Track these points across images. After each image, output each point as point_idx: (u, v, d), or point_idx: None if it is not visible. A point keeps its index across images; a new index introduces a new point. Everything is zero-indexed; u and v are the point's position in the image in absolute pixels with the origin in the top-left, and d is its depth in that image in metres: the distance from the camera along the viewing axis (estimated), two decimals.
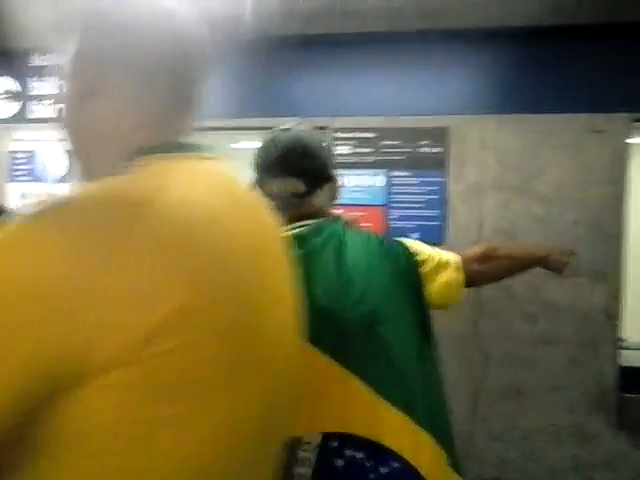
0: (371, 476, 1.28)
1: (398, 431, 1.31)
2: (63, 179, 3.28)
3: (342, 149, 3.02)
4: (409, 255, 1.50)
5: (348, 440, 1.30)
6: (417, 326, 1.49)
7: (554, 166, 2.86)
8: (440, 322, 2.92)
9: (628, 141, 2.82)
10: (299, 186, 1.46)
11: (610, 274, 2.83)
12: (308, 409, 1.26)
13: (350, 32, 2.92)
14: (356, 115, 3.00)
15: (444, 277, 1.57)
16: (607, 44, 2.79)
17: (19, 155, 3.32)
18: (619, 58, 2.79)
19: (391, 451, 1.29)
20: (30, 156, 3.34)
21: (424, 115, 2.94)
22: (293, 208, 1.45)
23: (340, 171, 3.01)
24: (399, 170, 2.98)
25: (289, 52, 3.03)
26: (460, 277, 1.60)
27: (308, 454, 1.31)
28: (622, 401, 2.83)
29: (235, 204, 0.77)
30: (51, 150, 3.32)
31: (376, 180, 3.00)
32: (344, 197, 2.93)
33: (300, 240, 1.40)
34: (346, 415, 1.32)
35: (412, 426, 1.32)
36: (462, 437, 2.96)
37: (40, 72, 3.32)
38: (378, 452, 1.29)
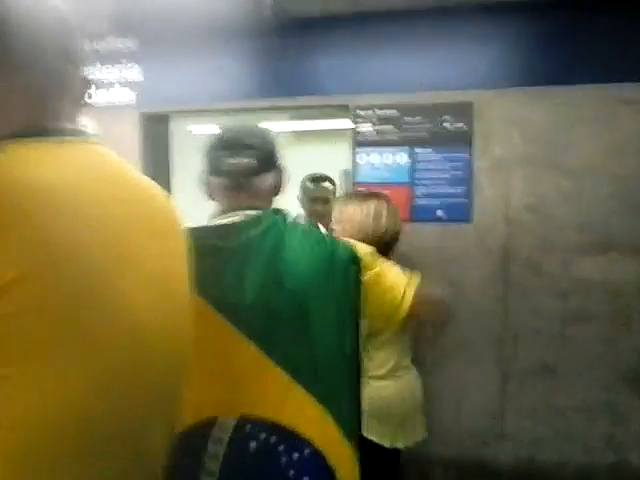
0: (283, 460, 1.36)
1: (312, 420, 1.40)
2: None
3: (364, 127, 2.99)
4: (354, 258, 1.55)
5: (262, 424, 1.36)
6: (346, 324, 1.53)
7: (583, 139, 2.78)
8: (469, 300, 2.92)
9: None
10: (252, 163, 1.50)
11: None
12: (227, 390, 1.37)
13: (370, 9, 2.88)
14: (378, 92, 2.96)
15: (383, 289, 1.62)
16: (635, 11, 2.69)
17: None
18: None
19: (304, 438, 1.37)
20: None
21: (447, 90, 2.89)
22: (242, 188, 1.51)
23: (363, 149, 3.02)
24: (423, 147, 2.93)
25: (309, 31, 3.00)
26: (398, 297, 1.62)
27: (222, 434, 1.36)
28: None
29: (99, 185, 0.84)
30: None
31: (400, 158, 2.96)
32: (368, 176, 2.94)
33: (238, 230, 1.46)
34: (263, 401, 1.39)
35: (326, 417, 1.41)
36: (493, 415, 2.93)
37: None
38: (291, 438, 1.37)
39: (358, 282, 1.55)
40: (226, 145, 1.53)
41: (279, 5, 2.86)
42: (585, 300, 2.82)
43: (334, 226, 2.30)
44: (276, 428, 1.37)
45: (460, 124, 2.89)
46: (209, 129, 5.20)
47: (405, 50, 2.92)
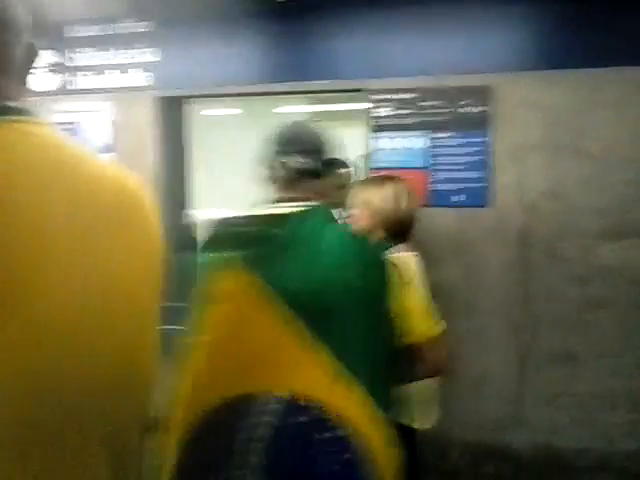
0: (325, 439, 1.44)
1: (355, 403, 1.47)
2: (107, 149, 3.32)
3: (381, 111, 2.96)
4: (384, 264, 1.65)
5: (311, 402, 1.44)
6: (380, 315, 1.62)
7: (602, 123, 2.74)
8: (487, 286, 2.89)
9: None
10: (313, 164, 1.66)
11: None
12: (273, 369, 1.47)
13: None
14: (395, 76, 2.93)
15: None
16: None
17: (62, 127, 3.37)
18: None
19: (346, 420, 1.44)
20: (74, 127, 3.38)
21: (465, 74, 2.85)
22: (300, 185, 1.66)
23: (379, 134, 2.99)
24: (441, 131, 2.90)
25: (325, 14, 2.97)
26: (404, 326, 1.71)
27: (266, 411, 1.44)
28: None
29: (38, 166, 0.78)
30: (94, 121, 3.36)
31: (417, 142, 2.93)
32: (384, 160, 2.92)
33: (288, 220, 1.59)
34: (309, 381, 1.47)
35: (366, 401, 1.48)
36: (511, 401, 2.93)
37: (78, 43, 3.34)
38: (334, 419, 1.44)
39: (390, 278, 1.63)
40: (294, 142, 1.68)
41: None
42: (604, 286, 2.80)
43: (352, 211, 2.29)
44: (320, 408, 1.44)
45: (478, 108, 2.86)
46: (222, 112, 5.21)
47: (422, 33, 2.89)
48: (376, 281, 1.62)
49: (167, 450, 1.52)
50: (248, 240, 1.59)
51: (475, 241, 2.90)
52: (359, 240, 1.69)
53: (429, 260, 2.89)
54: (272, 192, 1.71)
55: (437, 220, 2.92)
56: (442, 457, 2.99)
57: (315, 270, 1.54)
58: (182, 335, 1.57)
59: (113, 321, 0.85)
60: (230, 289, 1.55)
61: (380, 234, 2.07)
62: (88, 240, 0.81)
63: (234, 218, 1.72)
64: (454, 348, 2.93)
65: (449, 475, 3.00)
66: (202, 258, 1.67)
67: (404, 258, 1.81)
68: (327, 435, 1.44)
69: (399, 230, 2.11)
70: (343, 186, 3.33)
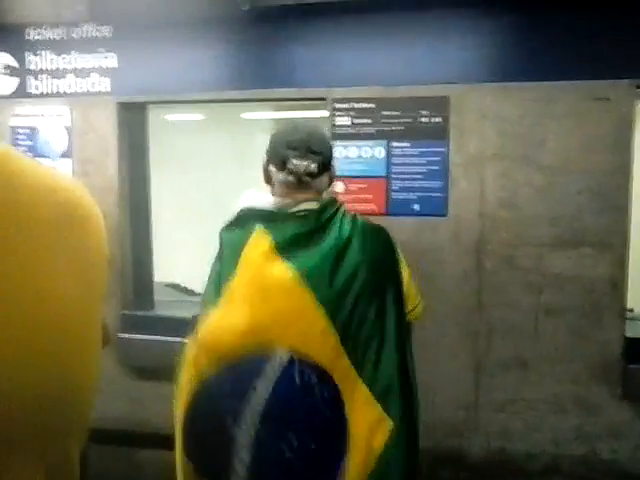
0: (318, 397, 1.68)
1: (345, 373, 1.70)
2: (65, 154, 3.29)
3: (341, 120, 2.99)
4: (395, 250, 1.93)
5: (307, 362, 1.68)
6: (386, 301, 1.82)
7: (556, 135, 2.80)
8: (444, 294, 2.93)
9: (633, 108, 2.76)
10: (315, 167, 1.79)
11: (615, 244, 2.79)
12: (283, 325, 1.70)
13: (348, 0, 2.88)
14: (355, 85, 2.96)
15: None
16: (609, 9, 2.71)
17: (20, 131, 3.33)
18: (621, 23, 2.71)
19: (336, 383, 1.70)
20: (32, 132, 3.35)
21: (424, 84, 2.90)
22: (300, 186, 1.81)
23: (340, 142, 3.02)
24: (400, 141, 2.94)
25: (287, 22, 2.99)
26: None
27: (279, 365, 1.68)
28: (627, 372, 2.81)
29: None
30: (53, 125, 3.32)
31: (377, 151, 2.97)
32: (344, 169, 2.95)
33: (307, 219, 1.79)
34: (313, 344, 1.70)
35: (355, 374, 1.72)
36: (466, 408, 2.97)
37: (37, 46, 3.31)
38: (324, 379, 1.69)
39: (398, 263, 1.90)
40: (293, 145, 1.80)
41: None
42: (557, 294, 2.86)
43: None
44: (318, 369, 1.68)
45: (437, 118, 2.90)
46: (187, 117, 5.19)
47: (382, 44, 2.92)
48: (391, 259, 1.88)
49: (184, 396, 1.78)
50: (272, 218, 1.81)
51: (433, 250, 2.94)
52: (371, 225, 1.91)
53: None
54: (275, 192, 1.87)
55: (395, 228, 2.93)
56: None
57: (340, 255, 1.75)
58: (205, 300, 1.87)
59: (55, 333, 0.84)
60: (254, 254, 1.76)
61: None
62: (25, 255, 0.80)
63: (258, 206, 1.87)
64: (412, 354, 2.97)
65: None
66: (229, 233, 1.87)
67: None
68: (321, 386, 1.68)
69: None
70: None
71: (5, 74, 3.33)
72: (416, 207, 2.95)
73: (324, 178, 1.87)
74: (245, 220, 1.84)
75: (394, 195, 2.96)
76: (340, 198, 2.12)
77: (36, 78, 3.33)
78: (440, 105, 2.89)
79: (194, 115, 5.13)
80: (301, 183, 1.80)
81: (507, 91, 2.84)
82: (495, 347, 2.93)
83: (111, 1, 3.17)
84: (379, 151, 2.96)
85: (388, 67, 2.93)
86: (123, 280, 3.33)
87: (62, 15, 3.24)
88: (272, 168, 1.85)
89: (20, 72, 3.34)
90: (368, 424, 1.72)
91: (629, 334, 2.85)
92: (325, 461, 1.72)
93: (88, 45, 3.23)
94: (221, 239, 1.90)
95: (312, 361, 1.68)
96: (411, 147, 2.93)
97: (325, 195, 1.89)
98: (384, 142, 2.96)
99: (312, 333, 1.70)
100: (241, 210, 1.88)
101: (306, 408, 1.70)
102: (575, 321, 2.85)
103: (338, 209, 1.84)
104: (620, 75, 2.70)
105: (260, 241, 1.77)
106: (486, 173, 2.88)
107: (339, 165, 2.97)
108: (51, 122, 3.32)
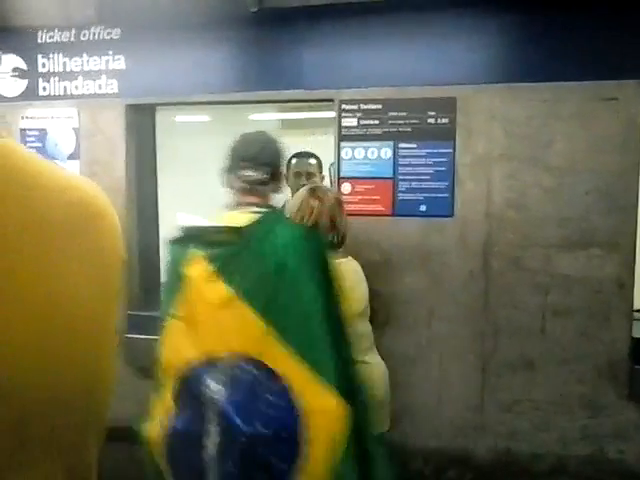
0: (263, 388, 1.85)
1: (290, 366, 1.85)
2: (72, 156, 3.31)
3: (348, 121, 3.00)
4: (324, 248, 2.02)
5: (252, 362, 1.86)
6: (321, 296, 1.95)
7: (564, 136, 2.81)
8: (450, 294, 2.94)
9: None
10: (265, 177, 2.13)
11: (623, 245, 2.79)
12: (228, 338, 1.89)
13: (355, 2, 2.89)
14: (362, 87, 2.97)
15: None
16: (617, 9, 2.71)
17: (29, 133, 3.36)
18: (629, 23, 2.71)
19: (280, 375, 1.85)
20: (41, 134, 3.37)
21: (431, 85, 2.90)
22: (252, 193, 2.13)
23: (347, 144, 3.03)
24: (406, 142, 2.95)
25: (295, 23, 3.00)
26: None
27: (226, 367, 1.88)
28: (634, 372, 2.81)
29: None
30: (62, 128, 3.35)
31: (384, 152, 2.98)
32: (351, 170, 2.96)
33: (252, 226, 1.96)
34: (254, 345, 1.88)
35: (302, 365, 1.86)
36: (473, 408, 2.97)
37: (48, 49, 3.33)
38: (270, 374, 1.85)
39: (330, 263, 1.99)
40: (247, 157, 2.14)
41: None
42: (565, 295, 2.86)
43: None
44: (260, 365, 1.86)
45: (444, 119, 2.91)
46: (195, 119, 5.20)
47: (390, 45, 2.93)
48: (317, 265, 1.95)
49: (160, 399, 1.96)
50: (210, 240, 2.01)
51: (439, 250, 2.95)
52: (302, 231, 2.03)
53: (394, 268, 2.95)
54: (232, 197, 2.16)
55: (402, 229, 2.96)
56: (405, 464, 3.03)
57: (273, 257, 1.91)
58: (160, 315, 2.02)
59: (69, 335, 0.84)
60: (193, 275, 1.95)
61: None
62: (37, 256, 0.80)
63: (199, 224, 2.19)
64: (416, 355, 2.98)
65: None
66: (172, 252, 2.04)
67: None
68: (271, 382, 1.85)
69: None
70: (312, 175, 3.51)
71: (14, 76, 3.36)
72: (423, 208, 2.95)
73: (276, 186, 2.21)
74: (183, 240, 2.04)
75: (401, 196, 2.97)
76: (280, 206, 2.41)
77: (44, 80, 3.35)
78: (447, 106, 2.89)
79: (200, 117, 5.14)
80: (253, 190, 2.13)
81: (514, 92, 2.84)
82: (502, 347, 2.93)
83: (120, 4, 3.18)
84: (386, 152, 2.97)
85: (395, 68, 2.94)
86: (130, 281, 3.35)
87: (72, 18, 3.27)
88: (229, 176, 2.17)
89: (29, 74, 3.36)
90: (325, 413, 1.86)
91: (636, 335, 2.85)
92: (283, 449, 1.86)
93: (96, 47, 3.25)
94: (167, 253, 2.09)
95: (258, 360, 1.87)
96: (418, 148, 2.94)
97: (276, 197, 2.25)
98: (391, 143, 2.96)
99: (254, 339, 1.88)
100: (181, 230, 2.08)
101: (257, 401, 1.87)
102: (582, 322, 2.85)
103: (271, 221, 2.01)
104: (628, 75, 2.70)
105: (198, 265, 1.97)
106: (493, 174, 2.88)
107: (346, 166, 3.01)
108: (59, 124, 3.35)
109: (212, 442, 1.87)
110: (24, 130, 3.38)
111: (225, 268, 1.96)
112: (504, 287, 2.91)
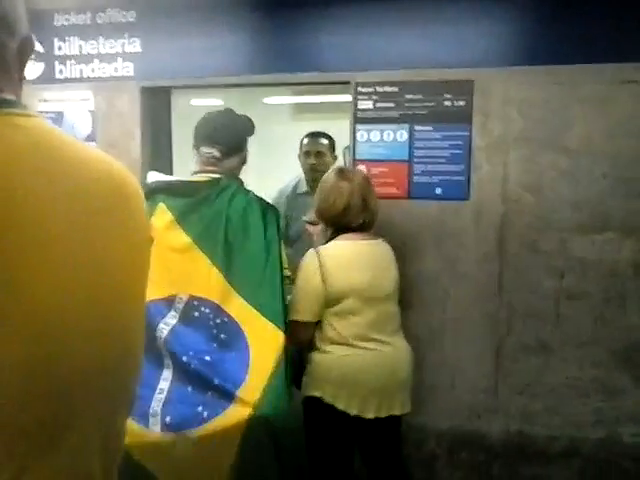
0: (212, 323, 2.23)
1: (234, 303, 2.25)
2: (89, 138, 3.33)
3: (364, 104, 2.99)
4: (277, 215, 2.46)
5: (202, 300, 2.26)
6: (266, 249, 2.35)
7: (581, 119, 2.79)
8: (465, 277, 2.95)
9: None
10: (217, 154, 2.46)
11: (639, 229, 2.78)
12: (184, 279, 2.28)
13: None
14: (378, 69, 2.96)
15: None
16: None
17: (47, 116, 3.37)
18: None
19: (227, 312, 2.23)
20: (57, 117, 3.39)
21: (448, 68, 2.89)
22: (209, 165, 2.48)
23: (362, 126, 3.03)
24: (422, 124, 2.94)
25: (312, 7, 2.99)
26: None
27: (180, 305, 2.27)
28: None
29: (31, 158, 0.79)
30: (79, 110, 3.36)
31: (400, 135, 2.97)
32: (367, 152, 2.96)
33: (203, 187, 2.42)
34: (205, 286, 2.27)
35: (246, 303, 2.25)
36: (486, 390, 2.99)
37: (64, 32, 3.34)
38: (219, 310, 2.24)
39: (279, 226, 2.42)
40: (204, 136, 2.49)
41: None
42: (580, 279, 2.86)
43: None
44: (210, 304, 2.24)
45: (460, 102, 2.90)
46: (211, 102, 5.21)
47: (406, 27, 2.91)
48: (269, 223, 2.36)
49: None
50: (173, 192, 2.40)
51: (454, 233, 2.95)
52: (252, 197, 2.43)
53: (409, 251, 2.95)
54: (196, 167, 2.53)
55: (418, 212, 2.97)
56: (419, 445, 3.05)
57: (228, 217, 2.33)
58: None
59: (108, 308, 0.88)
60: (157, 224, 2.29)
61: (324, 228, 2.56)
62: (85, 229, 0.84)
63: (165, 179, 2.53)
64: (431, 337, 3.00)
65: (426, 462, 3.07)
66: None
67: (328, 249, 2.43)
68: (222, 318, 2.22)
69: (337, 222, 2.47)
70: (322, 154, 3.67)
71: (31, 59, 3.36)
72: (438, 191, 2.95)
73: (233, 160, 2.51)
74: (151, 193, 2.32)
75: (416, 179, 2.97)
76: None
77: (61, 63, 3.36)
78: (464, 89, 2.88)
79: (216, 100, 5.14)
80: (209, 163, 2.47)
81: (531, 75, 2.82)
82: (516, 331, 2.94)
83: None
84: (402, 135, 2.97)
85: (412, 51, 2.92)
86: None
87: (88, 1, 3.27)
88: (194, 150, 2.53)
89: (45, 57, 3.38)
90: (266, 340, 2.20)
91: None
92: (229, 370, 2.15)
93: (112, 30, 3.26)
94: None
95: (208, 299, 2.24)
96: (434, 131, 2.93)
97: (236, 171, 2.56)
98: (407, 126, 2.96)
99: (206, 282, 2.25)
100: (148, 184, 2.42)
101: (208, 329, 2.22)
102: (597, 305, 2.85)
103: (229, 186, 2.42)
104: None
105: (162, 215, 2.32)
106: (510, 157, 2.87)
107: (361, 148, 3.01)
108: (76, 107, 3.36)
109: (168, 369, 2.18)
110: (41, 113, 3.39)
111: (184, 217, 2.33)
112: (519, 270, 2.91)
